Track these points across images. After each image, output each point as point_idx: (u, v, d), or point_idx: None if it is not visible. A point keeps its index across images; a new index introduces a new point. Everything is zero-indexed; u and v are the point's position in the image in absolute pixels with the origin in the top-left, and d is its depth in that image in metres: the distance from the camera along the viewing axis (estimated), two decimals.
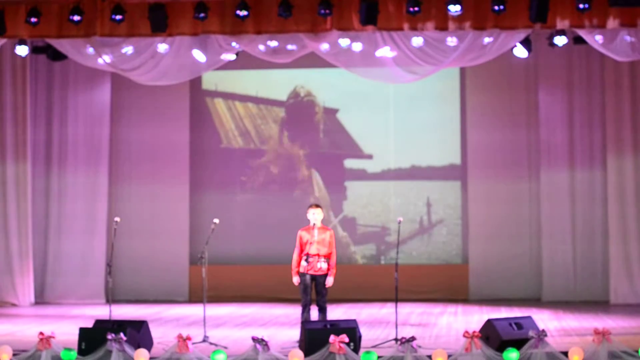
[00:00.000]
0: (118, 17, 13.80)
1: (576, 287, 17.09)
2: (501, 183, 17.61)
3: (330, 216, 18.01)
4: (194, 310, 15.51)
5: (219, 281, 16.67)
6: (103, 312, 15.04)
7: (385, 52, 14.53)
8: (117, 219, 13.54)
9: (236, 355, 10.87)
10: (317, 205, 12.30)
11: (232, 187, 18.40)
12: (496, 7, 13.30)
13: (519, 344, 10.71)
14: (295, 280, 12.16)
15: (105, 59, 14.85)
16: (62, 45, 14.87)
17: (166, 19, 13.81)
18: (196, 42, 14.70)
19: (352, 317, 12.10)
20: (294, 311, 14.69)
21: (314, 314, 12.20)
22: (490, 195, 17.61)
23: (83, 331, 11.28)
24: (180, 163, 18.13)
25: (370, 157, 18.33)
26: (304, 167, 18.32)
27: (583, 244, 17.15)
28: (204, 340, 12.08)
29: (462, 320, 14.66)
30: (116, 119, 18.10)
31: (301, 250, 12.11)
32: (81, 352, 11.02)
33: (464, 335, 10.70)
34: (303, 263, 12.09)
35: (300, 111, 18.43)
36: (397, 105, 18.15)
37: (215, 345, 11.77)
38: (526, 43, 14.60)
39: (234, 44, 14.62)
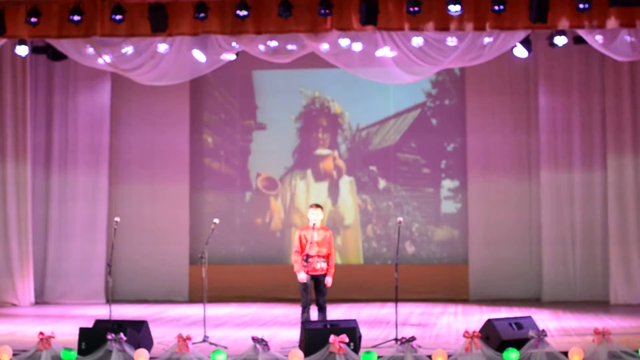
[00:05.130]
0: (118, 17, 13.79)
1: (576, 287, 17.08)
2: (501, 184, 17.58)
3: (336, 219, 18.01)
4: (194, 310, 15.51)
5: (219, 281, 16.63)
6: (103, 312, 15.04)
7: (385, 52, 14.53)
8: (117, 219, 13.54)
9: (236, 355, 10.87)
10: (318, 206, 12.28)
11: (232, 187, 18.39)
12: (496, 7, 13.30)
13: (519, 344, 10.71)
14: (302, 276, 11.99)
15: (105, 59, 14.85)
16: (62, 45, 14.86)
17: (166, 19, 13.81)
18: (196, 42, 14.69)
19: (352, 317, 12.08)
20: (294, 311, 14.68)
21: (314, 313, 12.19)
22: (491, 196, 17.59)
23: (83, 331, 11.28)
24: (181, 163, 18.11)
25: None
26: (305, 166, 18.34)
27: (583, 244, 17.13)
28: (204, 340, 12.08)
29: (462, 320, 14.65)
30: (116, 119, 18.07)
31: (301, 251, 12.10)
32: (81, 352, 11.02)
33: (464, 335, 10.71)
34: (303, 263, 12.08)
35: (310, 114, 18.41)
36: (397, 105, 18.14)
37: (215, 345, 11.76)
38: (526, 43, 14.60)
39: (234, 44, 14.62)
